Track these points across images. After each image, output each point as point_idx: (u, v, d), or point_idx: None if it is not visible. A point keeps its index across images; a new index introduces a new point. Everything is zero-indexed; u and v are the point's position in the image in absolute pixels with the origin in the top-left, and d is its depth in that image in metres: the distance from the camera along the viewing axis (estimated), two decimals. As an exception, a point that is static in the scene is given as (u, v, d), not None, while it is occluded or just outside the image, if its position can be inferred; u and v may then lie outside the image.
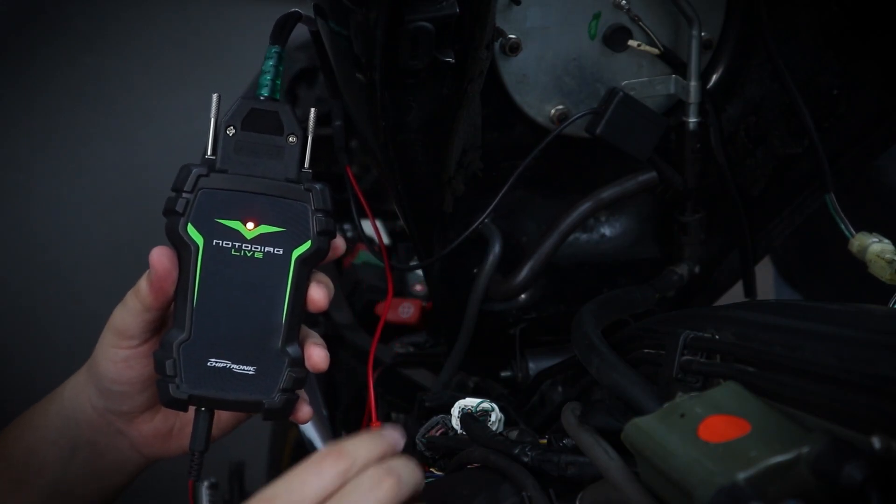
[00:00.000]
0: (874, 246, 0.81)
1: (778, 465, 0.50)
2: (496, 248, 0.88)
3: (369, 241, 0.93)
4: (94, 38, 3.26)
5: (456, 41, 0.74)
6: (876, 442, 0.49)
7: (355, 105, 0.79)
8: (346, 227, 1.47)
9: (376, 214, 0.93)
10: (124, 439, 0.78)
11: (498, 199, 0.82)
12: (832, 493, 0.49)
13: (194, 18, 3.30)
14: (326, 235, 0.72)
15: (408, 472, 0.63)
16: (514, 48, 0.81)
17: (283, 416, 0.72)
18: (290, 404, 0.71)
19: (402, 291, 1.34)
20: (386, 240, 1.36)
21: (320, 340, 0.74)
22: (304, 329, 0.73)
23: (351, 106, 0.81)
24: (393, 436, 0.66)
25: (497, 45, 0.81)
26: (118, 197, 2.56)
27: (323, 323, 1.27)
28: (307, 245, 0.71)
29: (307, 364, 0.72)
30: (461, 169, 0.84)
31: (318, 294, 0.72)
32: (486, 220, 0.84)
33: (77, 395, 0.77)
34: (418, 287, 1.35)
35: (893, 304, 0.80)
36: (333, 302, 1.31)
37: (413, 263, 1.30)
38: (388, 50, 0.71)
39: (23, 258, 2.45)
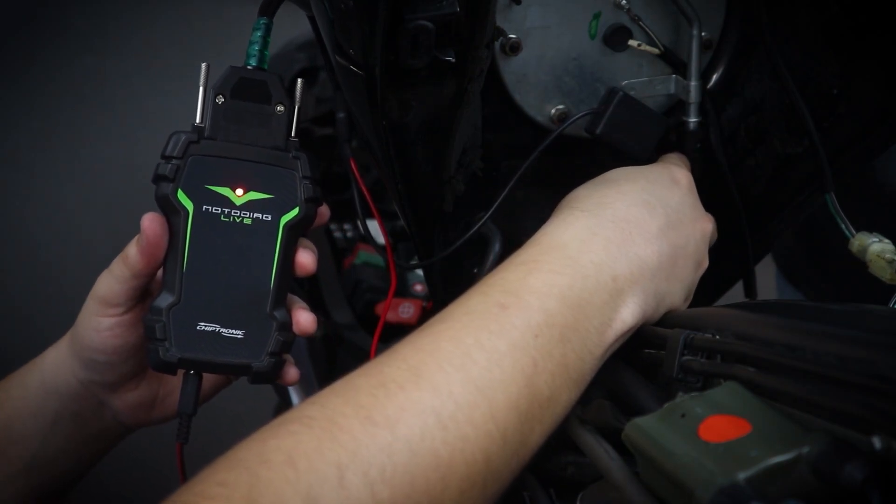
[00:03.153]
0: (874, 246, 0.81)
1: (778, 465, 0.50)
2: (496, 248, 0.87)
3: (372, 239, 0.94)
4: (94, 38, 3.26)
5: (456, 40, 0.74)
6: (876, 442, 0.49)
7: (355, 104, 0.79)
8: (347, 226, 1.47)
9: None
10: (107, 409, 0.78)
11: (500, 199, 0.82)
12: (832, 493, 0.49)
13: (194, 18, 3.30)
14: (313, 202, 0.73)
15: None
16: (515, 48, 0.81)
17: (270, 380, 0.73)
18: (278, 367, 0.72)
19: (402, 291, 1.34)
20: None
21: (306, 305, 0.75)
22: (290, 295, 0.74)
23: (351, 104, 0.81)
24: None
25: (497, 44, 0.81)
26: (118, 197, 2.55)
27: (323, 323, 1.27)
28: (295, 212, 0.72)
29: (295, 328, 0.73)
30: (461, 168, 0.84)
31: (306, 259, 0.73)
32: (487, 220, 0.84)
33: (59, 366, 0.77)
34: (418, 287, 1.35)
35: (893, 304, 0.80)
36: (333, 302, 1.32)
37: (413, 263, 1.30)
38: (387, 49, 0.71)
39: (22, 258, 2.45)
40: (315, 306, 1.35)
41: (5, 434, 0.78)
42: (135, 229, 0.72)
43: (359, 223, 0.91)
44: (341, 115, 0.84)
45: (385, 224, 1.35)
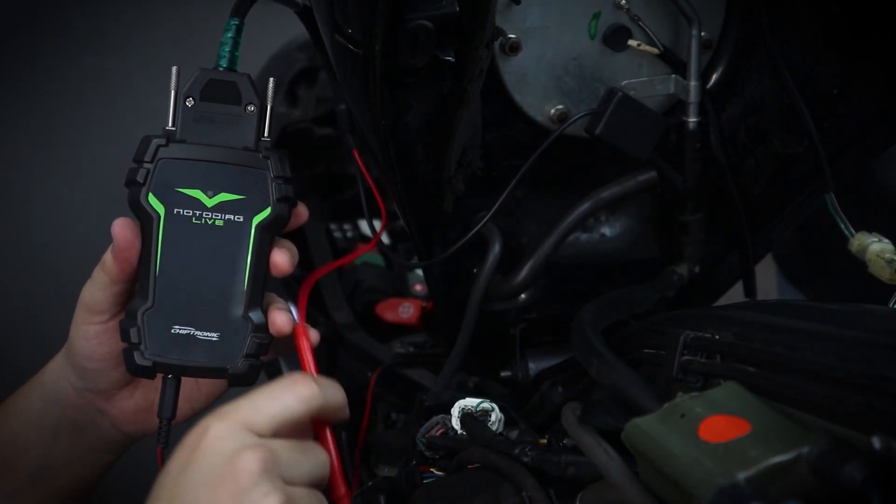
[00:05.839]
0: (874, 245, 0.81)
1: (778, 465, 0.50)
2: (496, 248, 0.88)
3: (371, 226, 0.93)
4: (94, 38, 3.26)
5: (456, 40, 0.74)
6: (876, 442, 0.49)
7: (355, 104, 0.79)
8: (347, 226, 1.47)
9: (375, 214, 0.93)
10: (105, 418, 0.78)
11: (500, 200, 0.82)
12: (832, 493, 0.49)
13: (194, 18, 3.30)
14: (286, 202, 0.72)
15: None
16: (514, 48, 0.81)
17: (248, 382, 0.72)
18: (255, 370, 0.72)
19: (402, 291, 1.34)
20: (386, 240, 1.36)
21: (284, 305, 0.74)
22: (269, 295, 0.74)
23: (351, 104, 0.81)
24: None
25: (497, 44, 0.81)
26: (118, 197, 2.55)
27: (323, 323, 1.27)
28: (267, 212, 0.71)
29: (271, 329, 0.72)
30: (461, 168, 0.84)
31: (281, 258, 0.72)
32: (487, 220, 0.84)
33: (57, 376, 0.78)
34: (418, 287, 1.34)
35: (893, 304, 0.80)
36: (333, 302, 1.32)
37: (413, 263, 1.30)
38: (387, 49, 0.71)
39: (23, 258, 2.45)
40: (315, 306, 1.35)
41: (10, 446, 0.78)
42: (135, 230, 0.72)
43: (363, 210, 0.91)
44: (342, 108, 0.84)
45: (385, 224, 1.35)
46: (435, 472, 0.79)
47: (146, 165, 0.70)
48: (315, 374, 0.69)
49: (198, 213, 0.71)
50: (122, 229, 0.70)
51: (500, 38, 0.80)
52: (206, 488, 0.60)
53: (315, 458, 0.64)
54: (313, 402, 0.65)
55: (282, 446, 0.62)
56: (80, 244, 2.44)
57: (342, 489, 0.69)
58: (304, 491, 0.62)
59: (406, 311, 1.27)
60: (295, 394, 0.64)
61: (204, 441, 0.61)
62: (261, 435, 0.62)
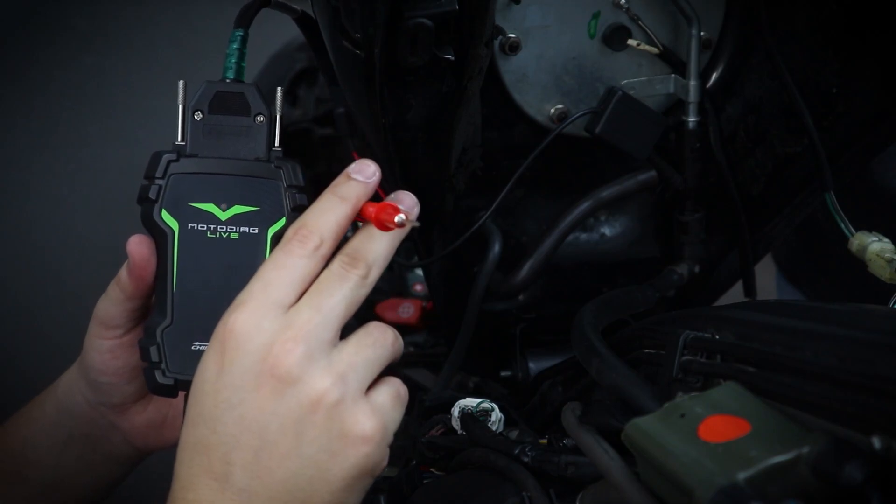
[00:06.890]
0: (874, 245, 0.81)
1: (778, 465, 0.50)
2: (496, 248, 0.88)
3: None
4: (94, 38, 3.26)
5: (455, 38, 0.74)
6: (876, 442, 0.49)
7: (355, 103, 0.79)
8: (347, 227, 1.47)
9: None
10: (117, 432, 0.78)
11: (499, 199, 0.82)
12: (832, 493, 0.49)
13: (194, 18, 3.30)
14: (301, 211, 0.71)
15: (374, 252, 0.63)
16: (514, 47, 0.81)
17: None
18: None
19: (402, 291, 1.34)
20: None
21: None
22: None
23: (352, 104, 0.81)
24: (362, 172, 0.65)
25: (497, 43, 0.81)
26: (118, 197, 2.55)
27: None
28: (282, 222, 0.71)
29: None
30: (461, 168, 0.84)
31: None
32: (486, 220, 0.84)
33: (70, 388, 0.78)
34: (418, 287, 1.35)
35: (893, 304, 0.80)
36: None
37: (413, 262, 1.30)
38: (387, 47, 0.71)
39: (23, 258, 2.45)
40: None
41: (23, 455, 0.79)
42: (134, 229, 0.72)
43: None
44: (340, 110, 0.84)
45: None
46: (435, 472, 0.79)
47: (158, 181, 0.70)
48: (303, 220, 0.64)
49: (212, 226, 0.70)
50: (138, 246, 0.70)
51: (500, 37, 0.80)
52: (248, 390, 0.58)
53: (352, 284, 0.61)
54: (320, 251, 0.62)
55: (311, 305, 0.60)
56: (79, 244, 2.45)
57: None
58: (354, 344, 0.60)
59: (406, 311, 1.27)
60: (297, 254, 0.61)
61: (231, 340, 0.59)
62: (287, 306, 0.60)
